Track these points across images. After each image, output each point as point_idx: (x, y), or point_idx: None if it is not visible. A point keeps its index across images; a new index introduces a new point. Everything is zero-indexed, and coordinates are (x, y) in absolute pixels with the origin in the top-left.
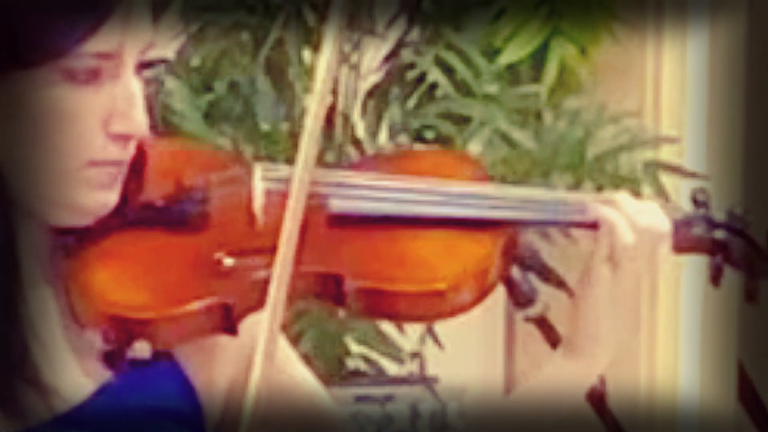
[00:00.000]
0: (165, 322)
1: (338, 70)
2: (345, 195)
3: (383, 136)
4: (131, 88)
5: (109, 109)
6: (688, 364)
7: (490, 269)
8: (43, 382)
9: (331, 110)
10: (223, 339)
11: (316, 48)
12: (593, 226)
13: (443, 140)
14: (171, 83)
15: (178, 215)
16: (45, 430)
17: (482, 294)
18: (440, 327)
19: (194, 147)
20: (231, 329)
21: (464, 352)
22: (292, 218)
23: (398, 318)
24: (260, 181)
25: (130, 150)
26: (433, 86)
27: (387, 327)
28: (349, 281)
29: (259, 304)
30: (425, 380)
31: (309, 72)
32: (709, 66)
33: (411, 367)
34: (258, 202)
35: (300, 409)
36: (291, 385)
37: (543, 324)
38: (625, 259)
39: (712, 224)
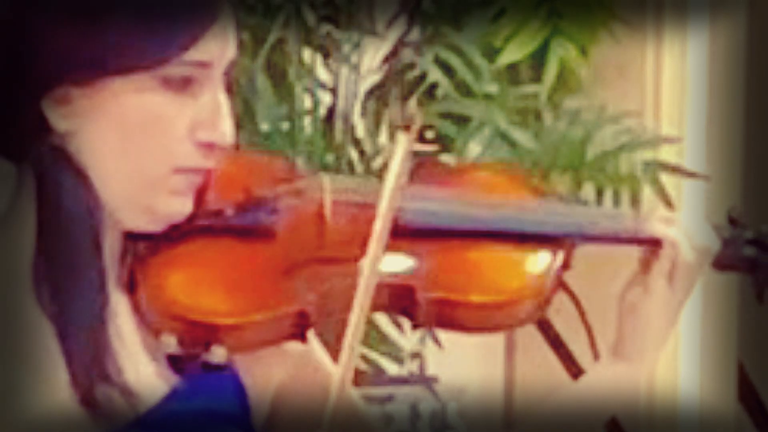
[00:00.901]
0: (243, 328)
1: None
2: (415, 208)
3: (383, 136)
4: (219, 97)
5: (197, 118)
6: (688, 364)
7: (548, 283)
8: (125, 385)
9: (331, 110)
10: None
11: (316, 48)
12: (655, 243)
13: (443, 140)
14: None
15: (248, 224)
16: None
17: (540, 307)
18: None
19: (263, 158)
20: (302, 336)
21: (464, 352)
22: (380, 232)
23: (464, 329)
24: (329, 192)
25: (212, 159)
26: (433, 86)
27: (387, 327)
28: (421, 292)
29: (331, 312)
30: (425, 380)
31: (309, 72)
32: (709, 66)
33: (411, 367)
34: (327, 212)
35: (331, 408)
36: (324, 385)
37: (543, 324)
38: (683, 277)
39: (748, 242)
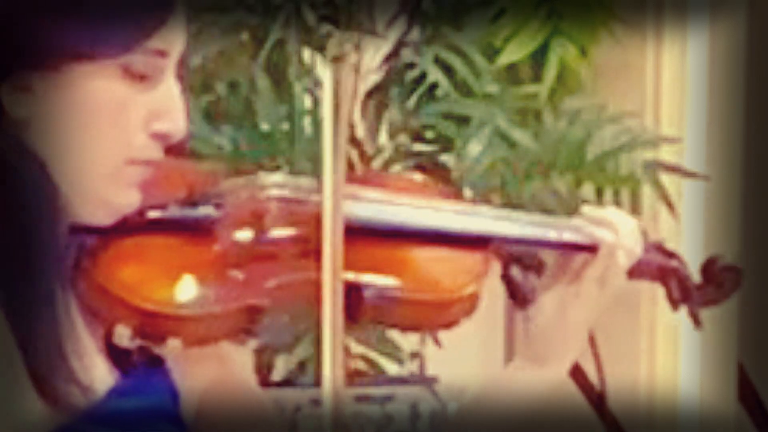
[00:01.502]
0: (198, 320)
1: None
2: (359, 208)
3: (383, 136)
4: (174, 88)
5: (152, 108)
6: (688, 364)
7: (482, 285)
8: (83, 379)
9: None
10: None
11: (316, 48)
12: (591, 249)
13: (443, 140)
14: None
15: (192, 220)
16: (73, 426)
17: (471, 308)
18: None
19: (205, 154)
20: (253, 332)
21: (464, 352)
22: (333, 229)
23: (405, 328)
24: (272, 189)
25: (165, 150)
26: (433, 86)
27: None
28: (367, 290)
29: (283, 307)
30: (425, 380)
31: (309, 72)
32: (709, 66)
33: (411, 367)
34: (271, 209)
35: (245, 411)
36: (237, 388)
37: None
38: (613, 279)
39: (653, 249)
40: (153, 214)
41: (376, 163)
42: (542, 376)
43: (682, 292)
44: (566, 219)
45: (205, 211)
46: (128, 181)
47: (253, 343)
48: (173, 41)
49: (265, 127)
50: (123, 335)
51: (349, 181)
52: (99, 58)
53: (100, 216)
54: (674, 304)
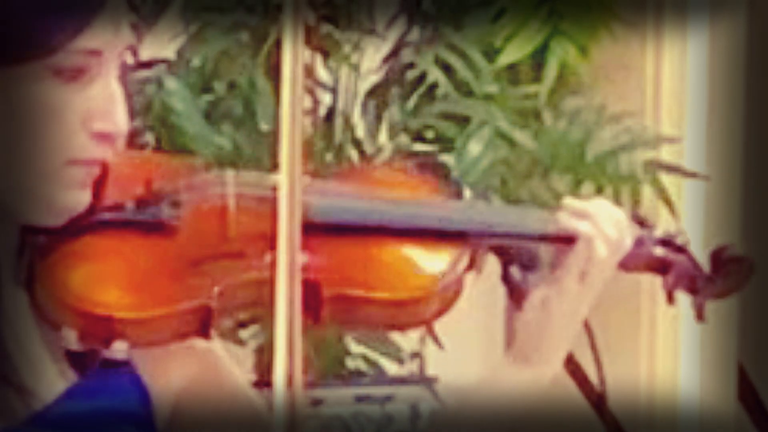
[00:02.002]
0: (145, 322)
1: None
2: (322, 204)
3: (383, 136)
4: (112, 87)
5: (90, 108)
6: (688, 364)
7: (457, 281)
8: (22, 383)
9: (331, 110)
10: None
11: (316, 48)
12: (569, 240)
13: (443, 140)
14: (171, 83)
15: (149, 219)
16: (18, 430)
17: (446, 306)
18: (440, 327)
19: (164, 153)
20: (206, 333)
21: (464, 352)
22: (290, 224)
23: (370, 326)
24: (232, 185)
25: (108, 149)
26: (433, 86)
27: None
28: (327, 288)
29: (236, 308)
30: (425, 380)
31: (309, 72)
32: (709, 66)
33: (411, 367)
34: (230, 206)
35: (236, 410)
36: (228, 387)
37: None
38: (595, 273)
39: (658, 242)
40: (105, 214)
41: (376, 163)
42: (530, 375)
43: (689, 284)
44: (548, 212)
45: (162, 210)
46: (72, 182)
47: (253, 343)
48: (107, 40)
49: (265, 127)
50: (70, 338)
51: (325, 176)
52: (26, 61)
53: (48, 217)
54: (670, 297)
